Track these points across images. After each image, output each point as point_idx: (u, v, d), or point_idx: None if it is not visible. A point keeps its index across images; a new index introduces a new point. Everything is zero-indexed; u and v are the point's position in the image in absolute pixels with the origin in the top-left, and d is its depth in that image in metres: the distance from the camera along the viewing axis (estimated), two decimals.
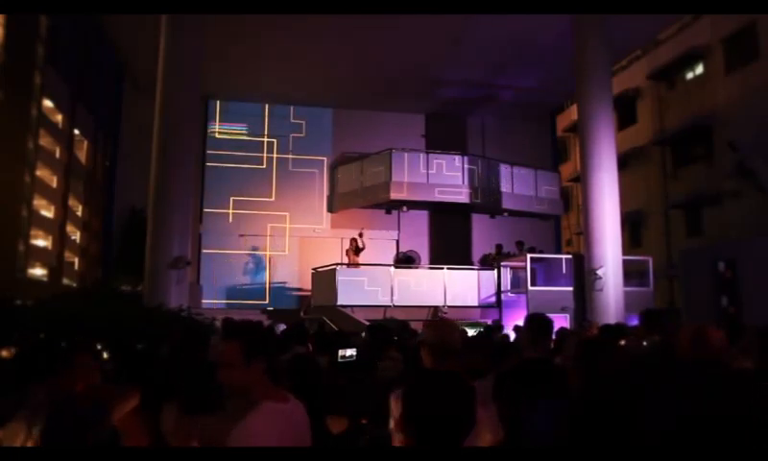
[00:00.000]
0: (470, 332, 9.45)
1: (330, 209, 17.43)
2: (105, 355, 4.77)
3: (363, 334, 6.78)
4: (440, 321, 2.98)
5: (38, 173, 11.24)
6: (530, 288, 12.86)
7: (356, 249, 14.36)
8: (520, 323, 11.29)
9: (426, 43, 14.07)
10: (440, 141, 17.61)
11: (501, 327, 9.36)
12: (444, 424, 1.61)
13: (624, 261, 12.27)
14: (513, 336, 10.18)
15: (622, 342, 5.06)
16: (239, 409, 2.08)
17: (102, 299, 8.94)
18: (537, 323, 3.43)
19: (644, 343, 5.28)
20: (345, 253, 14.70)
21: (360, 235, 14.57)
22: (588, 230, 12.15)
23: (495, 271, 14.15)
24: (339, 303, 12.80)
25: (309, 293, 14.87)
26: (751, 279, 11.49)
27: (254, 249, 17.03)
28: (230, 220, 16.95)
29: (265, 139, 17.57)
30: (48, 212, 12.12)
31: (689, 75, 19.80)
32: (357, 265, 14.18)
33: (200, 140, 15.53)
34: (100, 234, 15.21)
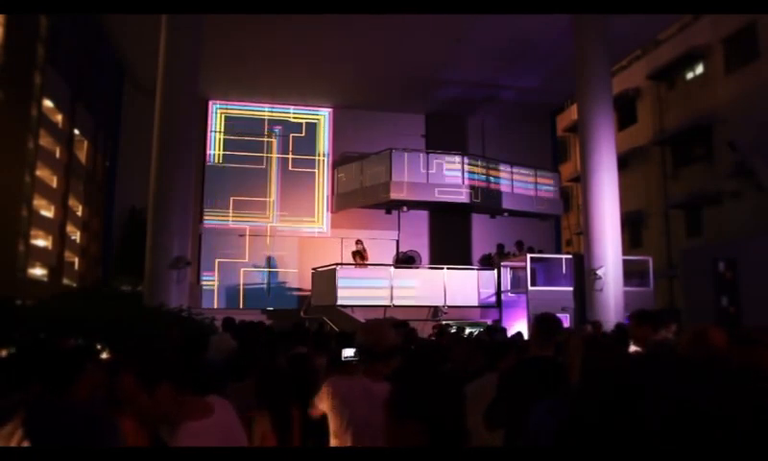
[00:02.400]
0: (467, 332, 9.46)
1: (330, 209, 17.43)
2: (105, 355, 4.78)
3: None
4: (373, 323, 2.95)
5: (38, 173, 11.25)
6: (530, 288, 12.86)
7: (360, 255, 14.39)
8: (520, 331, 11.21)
9: (426, 43, 14.07)
10: (440, 141, 17.60)
11: (504, 330, 9.35)
12: (438, 424, 1.61)
13: (624, 261, 12.26)
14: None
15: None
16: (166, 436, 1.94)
17: (102, 299, 8.95)
18: (546, 322, 3.47)
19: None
20: (352, 256, 14.65)
21: (358, 245, 14.61)
22: (588, 230, 12.15)
23: (495, 271, 14.15)
24: (339, 303, 12.79)
25: (309, 293, 14.87)
26: (751, 279, 11.49)
27: (254, 249, 17.04)
28: (230, 220, 16.95)
29: (265, 139, 17.58)
30: (48, 212, 12.12)
31: (689, 75, 19.80)
32: (364, 265, 14.19)
33: (200, 140, 15.53)
34: (100, 234, 15.22)
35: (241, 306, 15.96)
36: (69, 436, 2.18)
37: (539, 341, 3.45)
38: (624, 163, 17.81)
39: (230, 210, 16.96)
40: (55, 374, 2.44)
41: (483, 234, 17.25)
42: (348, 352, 3.20)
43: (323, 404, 2.65)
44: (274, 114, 17.69)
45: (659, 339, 4.21)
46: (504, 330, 9.04)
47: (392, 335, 2.73)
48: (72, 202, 13.19)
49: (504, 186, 16.21)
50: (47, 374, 2.47)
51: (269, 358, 4.58)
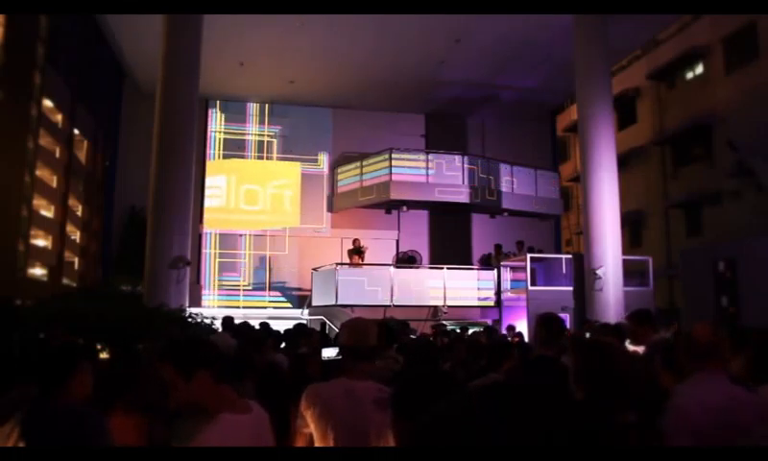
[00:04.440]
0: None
1: (330, 209, 17.43)
2: (105, 355, 4.78)
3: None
4: (354, 321, 2.93)
5: (38, 173, 11.23)
6: (530, 288, 12.86)
7: (357, 252, 14.39)
8: (513, 323, 11.30)
9: (426, 43, 14.07)
10: (440, 141, 17.60)
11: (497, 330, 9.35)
12: (437, 424, 1.61)
13: (624, 261, 12.26)
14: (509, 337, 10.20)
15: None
16: (198, 424, 1.97)
17: (102, 299, 8.96)
18: (549, 322, 3.48)
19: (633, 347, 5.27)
20: (348, 255, 14.65)
21: (355, 243, 14.58)
22: (588, 230, 12.15)
23: (495, 271, 14.15)
24: (339, 302, 12.80)
25: (309, 293, 14.87)
26: (751, 279, 11.49)
27: (255, 249, 17.04)
28: (231, 220, 16.94)
29: (265, 139, 17.57)
30: (48, 212, 12.11)
31: (689, 75, 19.80)
32: (360, 265, 14.19)
33: (200, 140, 15.53)
34: (100, 234, 15.20)
35: (241, 306, 15.96)
36: (59, 436, 2.19)
37: (543, 341, 3.45)
38: (624, 163, 17.81)
39: (209, 209, 16.93)
40: (45, 373, 2.44)
41: (483, 234, 17.25)
42: (330, 353, 3.18)
43: (307, 414, 2.60)
44: (273, 114, 17.69)
45: (657, 340, 4.21)
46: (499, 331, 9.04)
47: (375, 334, 2.71)
48: (72, 202, 13.18)
49: (504, 186, 16.20)
50: (38, 373, 2.47)
51: (267, 358, 4.59)
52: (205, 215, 16.76)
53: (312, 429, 2.55)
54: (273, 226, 17.17)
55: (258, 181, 17.30)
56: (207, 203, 16.87)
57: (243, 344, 5.02)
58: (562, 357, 3.49)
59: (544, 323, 3.51)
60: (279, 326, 7.47)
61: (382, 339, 3.64)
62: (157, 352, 2.11)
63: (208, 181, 16.93)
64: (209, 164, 17.04)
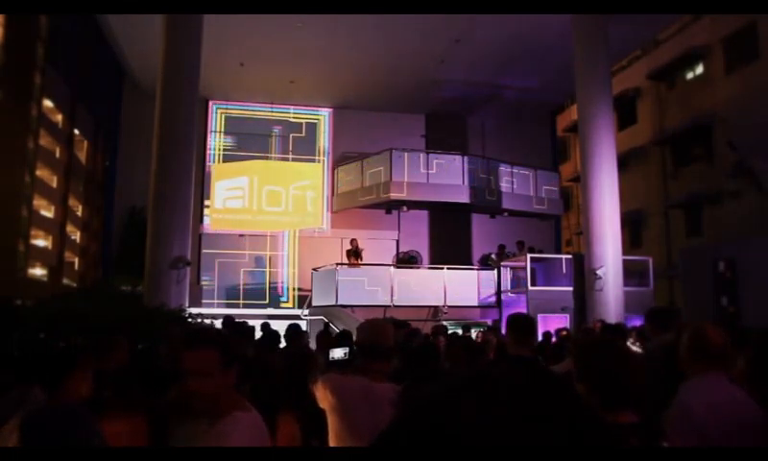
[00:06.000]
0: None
1: (330, 209, 17.43)
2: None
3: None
4: (374, 321, 2.97)
5: (38, 173, 11.23)
6: (530, 288, 12.85)
7: (355, 253, 14.42)
8: None
9: (426, 43, 14.07)
10: (440, 141, 17.59)
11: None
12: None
13: (624, 261, 12.26)
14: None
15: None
16: (209, 418, 1.96)
17: (102, 299, 8.95)
18: (517, 322, 3.51)
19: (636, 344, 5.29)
20: (346, 256, 14.68)
21: (353, 243, 14.61)
22: (588, 230, 12.14)
23: (495, 271, 14.15)
24: (339, 302, 12.80)
25: (309, 293, 14.86)
26: (751, 279, 11.50)
27: (255, 249, 17.04)
28: (231, 220, 16.94)
29: (267, 135, 17.57)
30: (48, 212, 12.11)
31: (689, 75, 19.81)
32: (358, 265, 14.20)
33: (200, 140, 15.52)
34: (100, 234, 15.20)
35: (241, 306, 15.96)
36: (51, 436, 2.20)
37: (515, 342, 3.48)
38: (624, 163, 17.82)
39: (231, 210, 16.95)
40: (43, 374, 2.46)
41: (483, 234, 17.24)
42: (338, 354, 3.16)
43: (321, 402, 2.64)
44: (273, 114, 17.70)
45: (661, 340, 4.21)
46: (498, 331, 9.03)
47: (392, 335, 2.74)
48: (72, 202, 13.17)
49: (504, 186, 16.20)
50: (37, 373, 2.49)
51: (263, 358, 4.58)
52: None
53: (327, 412, 2.59)
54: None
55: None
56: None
57: (260, 346, 5.00)
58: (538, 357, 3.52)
59: (510, 324, 3.54)
60: (279, 326, 7.46)
61: None
62: (200, 338, 2.07)
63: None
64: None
